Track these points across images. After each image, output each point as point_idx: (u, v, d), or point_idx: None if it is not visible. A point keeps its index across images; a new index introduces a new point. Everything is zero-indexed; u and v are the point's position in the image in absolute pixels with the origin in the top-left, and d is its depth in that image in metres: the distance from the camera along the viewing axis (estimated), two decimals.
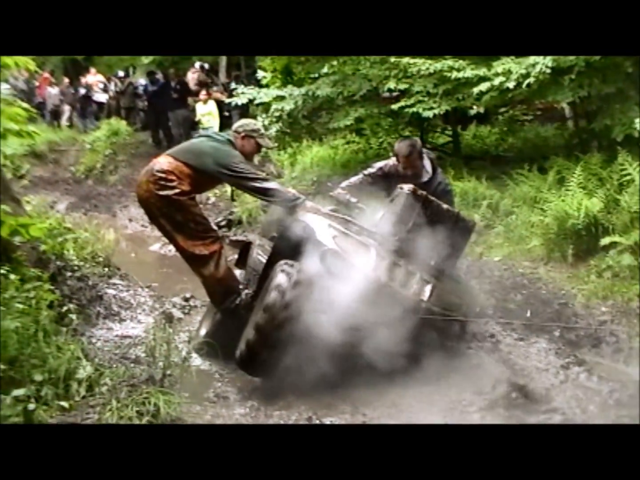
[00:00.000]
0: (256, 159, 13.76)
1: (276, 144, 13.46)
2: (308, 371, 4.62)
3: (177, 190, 5.15)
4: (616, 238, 7.18)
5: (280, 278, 4.69)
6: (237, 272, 6.06)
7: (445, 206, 5.29)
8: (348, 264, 4.76)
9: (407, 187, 5.23)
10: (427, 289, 4.98)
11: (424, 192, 5.22)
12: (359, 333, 4.65)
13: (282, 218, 5.30)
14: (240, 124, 5.57)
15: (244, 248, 6.25)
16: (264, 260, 5.27)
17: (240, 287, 5.53)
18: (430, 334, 4.79)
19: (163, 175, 5.16)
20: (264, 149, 5.97)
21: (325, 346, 4.54)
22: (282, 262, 4.84)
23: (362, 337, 4.64)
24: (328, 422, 4.54)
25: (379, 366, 4.67)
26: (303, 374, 4.65)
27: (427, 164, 5.83)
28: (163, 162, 5.26)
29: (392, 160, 6.00)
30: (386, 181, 5.77)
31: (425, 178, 5.74)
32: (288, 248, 4.94)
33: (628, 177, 7.79)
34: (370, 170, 6.03)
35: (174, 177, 5.17)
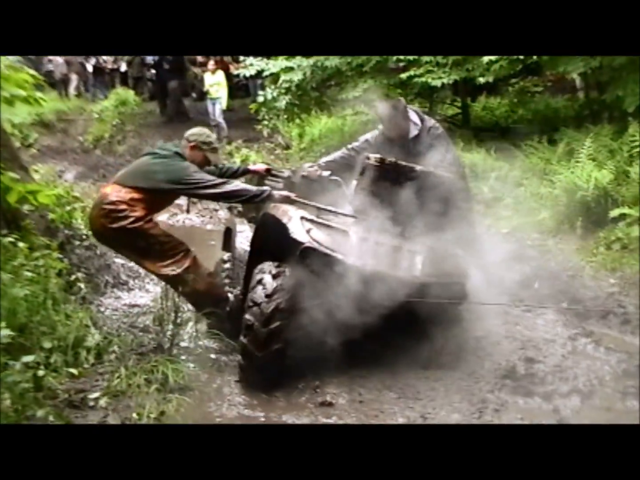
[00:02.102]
0: (265, 131, 13.84)
1: (267, 120, 13.50)
2: (307, 364, 4.61)
3: (130, 219, 4.93)
4: (625, 210, 7.17)
5: (261, 279, 4.54)
6: (225, 255, 6.01)
7: (418, 167, 4.97)
8: (328, 257, 4.51)
9: (373, 157, 4.95)
10: (417, 261, 4.73)
11: (392, 159, 4.93)
12: (355, 325, 4.39)
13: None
14: (193, 132, 5.30)
15: (227, 233, 6.13)
16: (247, 250, 5.14)
17: (226, 290, 5.40)
18: (430, 304, 4.49)
19: (112, 207, 4.93)
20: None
21: (320, 344, 4.42)
22: (261, 266, 4.66)
23: (360, 328, 4.40)
24: (329, 398, 4.50)
25: (383, 353, 4.65)
26: (302, 367, 4.63)
27: (414, 116, 5.60)
28: (110, 192, 5.01)
29: (378, 130, 5.82)
30: (375, 151, 5.36)
31: (414, 132, 5.53)
32: (265, 247, 4.83)
33: (639, 149, 7.76)
34: (355, 143, 5.82)
35: (124, 207, 4.93)
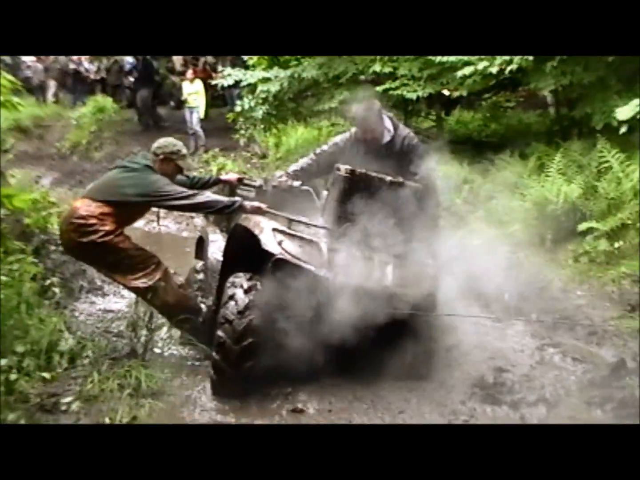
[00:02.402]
0: (242, 140, 13.85)
1: (244, 129, 13.56)
2: (279, 372, 4.54)
3: (100, 233, 4.88)
4: (593, 224, 7.27)
5: (233, 294, 4.51)
6: (198, 264, 5.97)
7: (388, 178, 4.87)
8: (299, 269, 4.47)
9: (343, 169, 4.88)
10: (388, 271, 4.69)
11: (362, 170, 4.87)
12: (326, 336, 4.32)
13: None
14: (159, 145, 5.20)
15: (199, 242, 6.09)
16: (220, 260, 5.11)
17: (198, 299, 5.37)
18: (400, 318, 4.46)
19: (82, 221, 4.88)
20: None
21: (291, 352, 4.36)
22: (232, 279, 4.63)
23: (331, 339, 4.32)
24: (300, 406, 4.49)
25: (355, 362, 4.60)
26: (275, 375, 4.58)
27: (388, 123, 5.45)
28: (80, 206, 4.95)
29: (349, 133, 5.64)
30: (346, 155, 5.31)
31: (387, 138, 5.38)
32: (237, 259, 4.79)
33: (606, 165, 7.90)
34: (323, 147, 5.65)
35: (94, 221, 4.88)
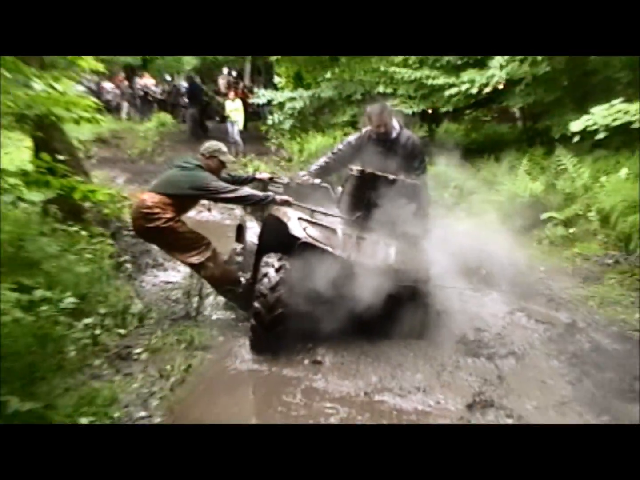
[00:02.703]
0: (272, 147, 13.83)
1: (274, 138, 13.61)
2: (303, 332, 4.52)
3: (163, 220, 4.89)
4: (553, 214, 7.24)
5: (266, 272, 4.43)
6: (238, 246, 5.90)
7: (391, 176, 4.79)
8: (320, 250, 4.44)
9: (355, 169, 4.84)
10: (392, 252, 4.63)
11: (371, 171, 4.80)
12: (341, 304, 4.31)
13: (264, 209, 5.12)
14: (205, 146, 5.23)
15: (239, 228, 6.02)
16: (256, 243, 5.04)
17: (239, 274, 5.30)
18: (401, 289, 4.46)
19: (148, 210, 4.89)
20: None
21: (314, 317, 4.34)
22: (266, 259, 4.56)
23: (345, 306, 4.31)
24: (319, 358, 4.46)
25: (363, 325, 4.54)
26: (300, 334, 4.54)
27: (395, 122, 5.37)
28: (147, 198, 4.96)
29: (359, 133, 5.51)
30: (359, 152, 5.27)
31: (395, 134, 5.28)
32: (270, 242, 4.73)
33: (563, 167, 7.94)
34: (338, 146, 5.51)
35: (157, 210, 4.89)
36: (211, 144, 5.27)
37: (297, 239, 4.47)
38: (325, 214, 4.79)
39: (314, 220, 4.66)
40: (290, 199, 4.88)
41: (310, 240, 4.47)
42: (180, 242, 4.98)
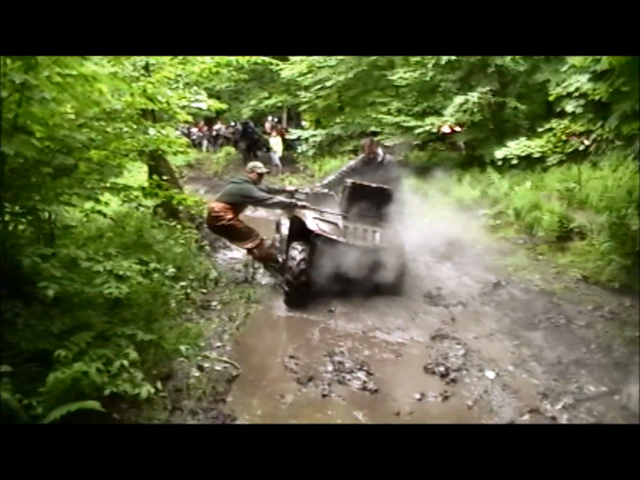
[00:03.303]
0: (301, 167, 13.71)
1: (302, 162, 13.39)
2: (320, 293, 4.49)
3: (226, 220, 4.84)
4: (486, 211, 7.18)
5: (293, 254, 4.38)
6: (277, 236, 5.72)
7: (374, 185, 4.65)
8: (328, 238, 4.43)
9: (349, 181, 4.73)
10: (377, 236, 4.57)
11: (360, 182, 4.69)
12: (344, 273, 4.31)
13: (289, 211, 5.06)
14: (250, 166, 5.16)
15: (277, 223, 5.82)
16: (286, 234, 4.98)
17: (278, 255, 5.19)
18: (385, 260, 4.45)
19: (216, 214, 4.85)
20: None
21: (326, 282, 4.36)
22: (293, 245, 4.48)
23: (347, 275, 4.32)
24: (334, 309, 4.37)
25: (361, 287, 4.48)
26: (318, 294, 4.51)
27: (380, 150, 5.29)
28: (215, 205, 4.89)
29: (356, 159, 5.40)
30: (356, 173, 5.11)
31: (380, 158, 5.17)
32: (295, 234, 4.70)
33: (491, 180, 7.93)
34: (343, 169, 5.36)
35: (222, 213, 4.83)
36: (253, 164, 5.27)
37: (312, 231, 4.49)
38: (330, 213, 4.77)
39: (323, 218, 4.66)
40: (308, 204, 4.85)
41: (320, 232, 4.49)
42: (238, 234, 4.98)
